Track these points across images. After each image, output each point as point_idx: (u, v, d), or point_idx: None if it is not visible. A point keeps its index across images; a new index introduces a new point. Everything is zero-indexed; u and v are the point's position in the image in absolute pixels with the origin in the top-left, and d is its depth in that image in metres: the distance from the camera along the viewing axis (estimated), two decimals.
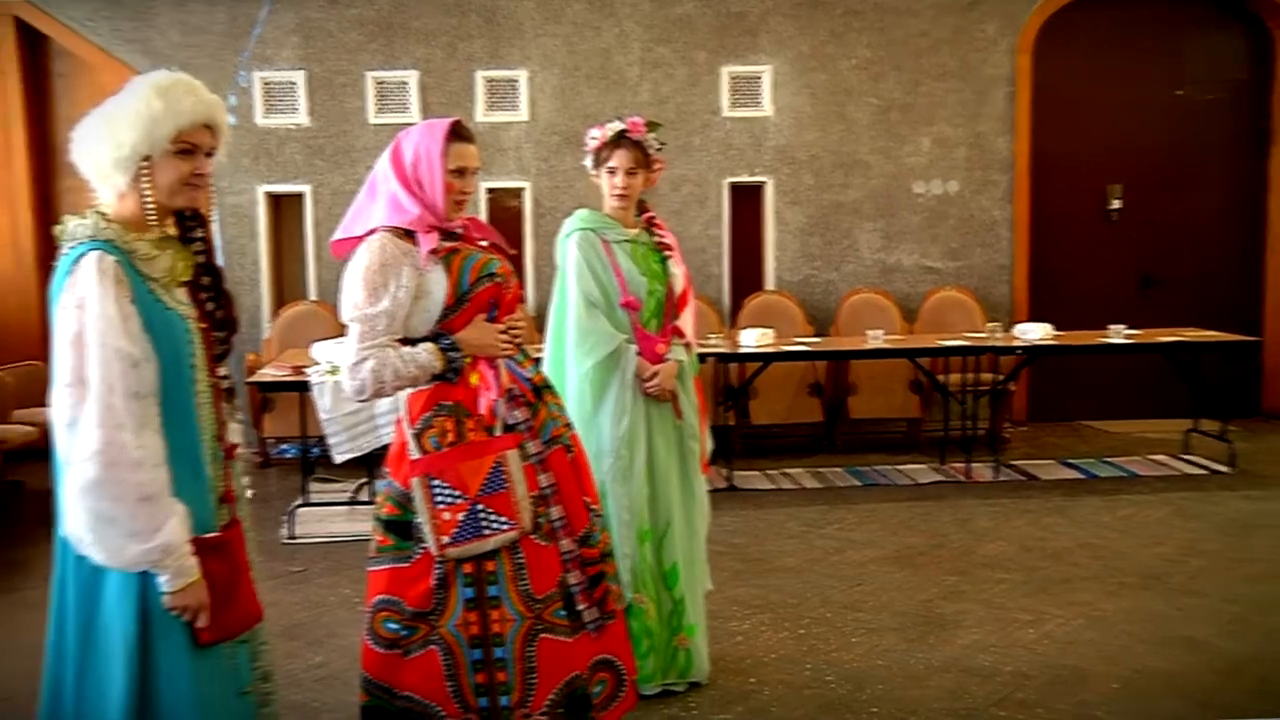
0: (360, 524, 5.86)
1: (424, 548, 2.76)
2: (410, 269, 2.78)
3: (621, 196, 3.68)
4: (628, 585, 3.51)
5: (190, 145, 2.23)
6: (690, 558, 3.74)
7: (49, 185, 7.97)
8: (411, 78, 7.77)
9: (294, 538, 5.76)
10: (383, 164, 2.91)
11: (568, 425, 3.01)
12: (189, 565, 2.14)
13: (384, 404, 5.39)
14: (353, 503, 6.37)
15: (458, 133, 2.89)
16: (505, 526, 2.74)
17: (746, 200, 8.13)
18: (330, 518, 6.09)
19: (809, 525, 5.84)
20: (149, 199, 2.22)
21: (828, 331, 7.93)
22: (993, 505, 6.16)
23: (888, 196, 8.15)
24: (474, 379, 2.83)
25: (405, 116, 7.71)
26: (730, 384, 7.20)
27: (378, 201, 2.87)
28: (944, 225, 8.19)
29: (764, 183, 8.10)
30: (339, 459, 5.55)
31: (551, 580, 2.82)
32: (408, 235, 2.83)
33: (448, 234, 2.89)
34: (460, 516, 2.72)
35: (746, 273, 8.16)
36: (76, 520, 2.07)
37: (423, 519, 2.75)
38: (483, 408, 2.80)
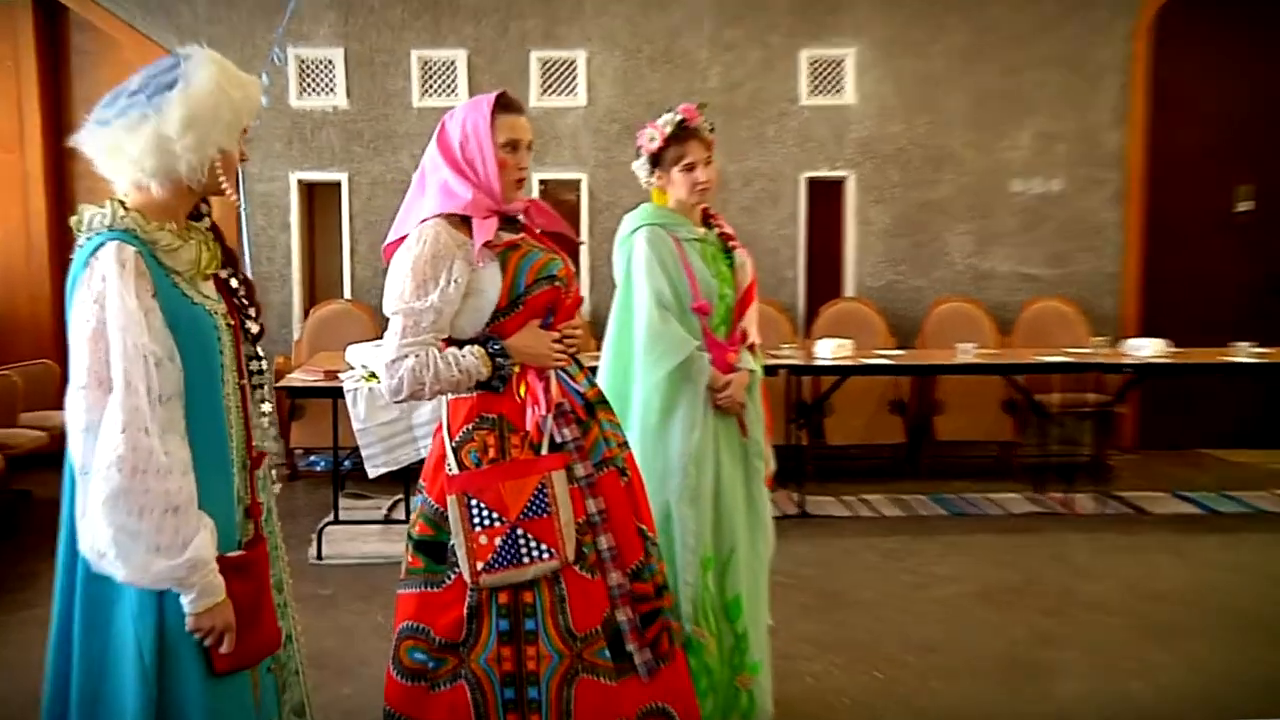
0: (395, 544, 5.89)
1: (457, 572, 2.76)
2: (463, 263, 2.78)
3: (705, 190, 3.68)
4: (688, 617, 3.49)
5: (245, 130, 2.33)
6: (754, 588, 3.72)
7: (65, 171, 8.09)
8: (459, 57, 7.85)
9: (322, 558, 5.82)
10: (430, 152, 2.91)
11: (622, 445, 2.99)
12: (217, 583, 2.16)
13: (424, 414, 5.44)
14: (387, 521, 6.43)
15: (504, 103, 2.89)
16: (546, 555, 2.73)
17: (825, 197, 8.11)
18: (362, 537, 6.15)
19: (888, 557, 5.80)
20: (205, 188, 2.28)
21: (913, 344, 7.90)
22: (1095, 540, 6.07)
23: (982, 195, 8.08)
24: (522, 390, 2.83)
25: (452, 99, 7.78)
26: (803, 399, 7.17)
27: (428, 194, 2.87)
28: (1045, 228, 8.10)
29: (845, 178, 8.07)
30: (373, 473, 5.59)
31: (595, 616, 2.79)
32: (463, 225, 2.83)
33: (507, 220, 2.90)
34: (498, 541, 2.71)
35: (824, 277, 8.14)
36: (97, 534, 2.07)
37: (457, 541, 2.74)
38: (529, 423, 2.80)
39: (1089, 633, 4.73)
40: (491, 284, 2.81)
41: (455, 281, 2.76)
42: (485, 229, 2.80)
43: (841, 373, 6.78)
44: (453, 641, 2.76)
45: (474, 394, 2.82)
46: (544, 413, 2.81)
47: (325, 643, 4.62)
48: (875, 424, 7.65)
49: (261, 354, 2.46)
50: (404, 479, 5.99)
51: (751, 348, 3.79)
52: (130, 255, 2.14)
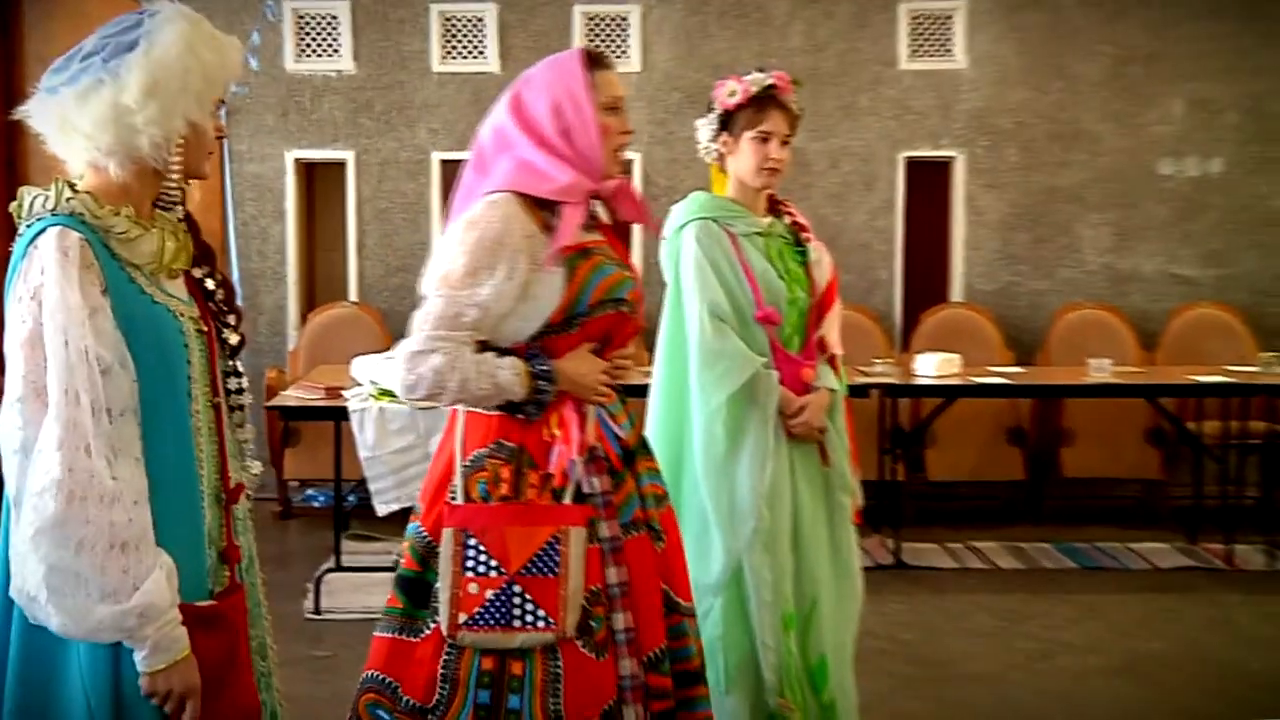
0: None
1: (437, 622, 2.75)
2: (527, 259, 2.75)
3: (774, 172, 3.68)
4: (771, 688, 3.47)
5: (222, 101, 2.34)
6: (841, 649, 3.71)
7: (16, 148, 8.11)
8: (488, 12, 7.89)
9: (321, 612, 5.85)
10: (497, 127, 2.89)
11: (660, 499, 2.96)
12: (176, 636, 2.14)
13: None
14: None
15: (596, 59, 2.89)
16: (541, 623, 2.70)
17: (928, 182, 8.07)
18: (368, 587, 6.14)
19: (1005, 619, 5.76)
20: (177, 172, 2.28)
21: (1034, 360, 7.84)
22: (1264, 603, 6.01)
23: (1123, 179, 8.01)
24: (554, 425, 2.80)
25: (480, 64, 7.83)
26: (900, 426, 7.12)
27: (496, 174, 2.84)
28: (1202, 219, 8.01)
29: (952, 159, 8.02)
30: (382, 510, 5.61)
31: (593, 706, 2.74)
32: (536, 210, 2.80)
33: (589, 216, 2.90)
34: (490, 594, 2.70)
35: (926, 279, 8.10)
36: (27, 573, 2.06)
37: (443, 583, 2.74)
38: (554, 464, 2.78)
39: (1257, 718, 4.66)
40: (552, 292, 2.78)
41: (513, 280, 2.73)
42: (572, 223, 2.78)
43: (947, 394, 6.75)
44: (421, 705, 2.74)
45: (494, 413, 2.80)
46: (574, 455, 2.78)
47: (323, 714, 4.62)
48: (988, 457, 7.59)
49: (241, 369, 2.46)
50: None
51: (832, 361, 3.77)
52: (74, 242, 2.13)
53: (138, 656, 2.12)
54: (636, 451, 2.94)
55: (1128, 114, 7.99)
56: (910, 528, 6.99)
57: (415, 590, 2.80)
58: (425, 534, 2.81)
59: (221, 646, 2.24)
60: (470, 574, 2.71)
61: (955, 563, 6.70)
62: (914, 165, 8.04)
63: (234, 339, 2.43)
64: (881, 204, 8.00)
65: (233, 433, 2.44)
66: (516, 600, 2.70)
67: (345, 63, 7.92)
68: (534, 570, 2.71)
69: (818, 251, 3.77)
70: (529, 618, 2.70)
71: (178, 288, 2.33)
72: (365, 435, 5.54)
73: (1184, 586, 6.29)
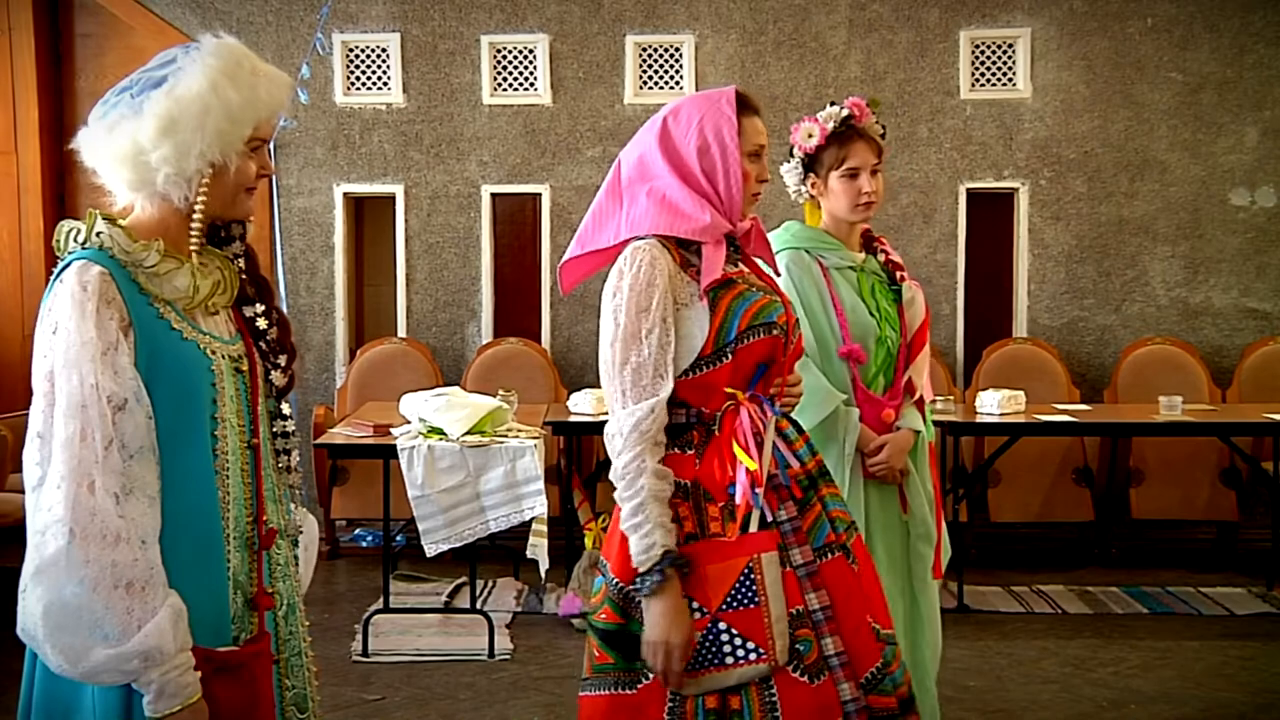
0: (457, 638, 5.92)
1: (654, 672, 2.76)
2: (671, 300, 2.80)
3: (869, 205, 3.70)
4: None
5: (262, 141, 2.33)
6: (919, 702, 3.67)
7: (68, 179, 8.23)
8: (540, 44, 7.94)
9: (368, 654, 5.85)
10: (641, 154, 2.94)
11: (851, 526, 2.95)
12: (184, 682, 2.12)
13: (494, 480, 5.46)
14: (448, 610, 6.45)
15: (746, 102, 2.93)
16: (753, 655, 2.71)
17: (991, 214, 8.05)
18: (418, 629, 6.18)
19: (1074, 666, 5.70)
20: (200, 211, 2.28)
21: (1102, 397, 7.81)
22: None
23: (1194, 210, 7.95)
24: (739, 454, 2.79)
25: (531, 96, 7.89)
26: (963, 465, 7.08)
27: (635, 206, 2.91)
28: (1277, 250, 7.95)
29: (1015, 190, 8.00)
30: (432, 551, 5.63)
31: None
32: (679, 248, 2.87)
33: (730, 246, 2.94)
34: (697, 636, 2.72)
35: (988, 313, 8.08)
36: (27, 611, 2.07)
37: None
38: (738, 495, 2.78)
39: None
40: (699, 327, 2.81)
41: (665, 320, 2.78)
42: (716, 260, 2.82)
43: (1011, 432, 6.72)
44: None
45: (669, 452, 2.81)
46: (748, 483, 2.78)
47: None
48: (1053, 497, 7.54)
49: (287, 412, 2.47)
50: (469, 558, 6.01)
51: (919, 404, 3.75)
52: (93, 277, 2.16)
53: (144, 700, 2.11)
54: (819, 477, 2.95)
55: (1198, 143, 7.94)
56: (973, 570, 6.95)
57: (623, 643, 2.79)
58: (619, 583, 2.79)
59: (240, 696, 2.23)
60: None
61: (1020, 606, 6.64)
62: (976, 197, 8.03)
63: (280, 380, 2.44)
64: (942, 236, 7.99)
65: (278, 476, 2.45)
66: (725, 637, 2.72)
67: (395, 95, 7.99)
68: (735, 604, 2.73)
69: (912, 292, 3.77)
70: (740, 652, 2.71)
71: (217, 324, 2.34)
72: (414, 474, 5.55)
73: (1261, 633, 6.20)
